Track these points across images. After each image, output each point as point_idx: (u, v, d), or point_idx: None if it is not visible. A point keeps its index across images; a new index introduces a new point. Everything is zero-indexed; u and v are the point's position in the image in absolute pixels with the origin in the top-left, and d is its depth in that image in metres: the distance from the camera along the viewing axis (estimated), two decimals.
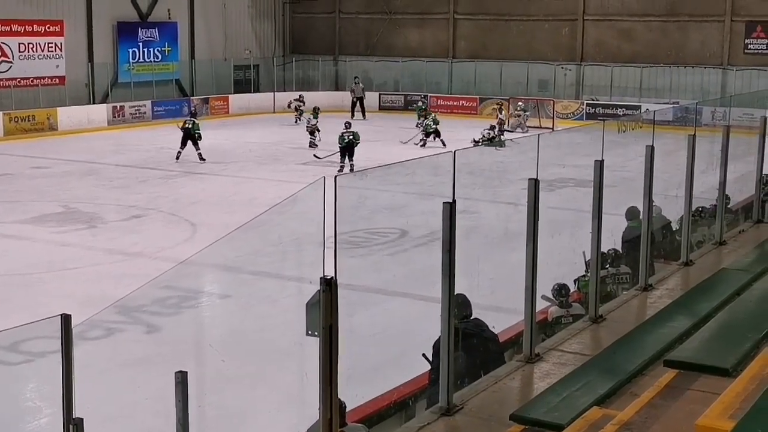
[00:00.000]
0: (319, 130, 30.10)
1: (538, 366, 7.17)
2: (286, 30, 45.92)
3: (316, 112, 31.23)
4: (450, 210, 6.17)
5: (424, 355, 7.24)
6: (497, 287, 9.82)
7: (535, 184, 7.17)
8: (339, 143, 25.66)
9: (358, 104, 39.70)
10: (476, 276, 8.39)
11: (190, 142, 27.03)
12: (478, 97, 40.25)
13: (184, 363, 5.48)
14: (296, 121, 35.77)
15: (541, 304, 8.60)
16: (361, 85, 40.80)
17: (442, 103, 40.77)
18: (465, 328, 7.26)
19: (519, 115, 35.31)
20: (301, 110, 36.19)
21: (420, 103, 37.05)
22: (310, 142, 29.80)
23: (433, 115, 32.12)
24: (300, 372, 8.00)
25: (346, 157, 25.29)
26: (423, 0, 42.68)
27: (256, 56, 43.51)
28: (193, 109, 33.49)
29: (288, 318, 8.36)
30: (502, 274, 10.08)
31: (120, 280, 14.18)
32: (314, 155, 26.78)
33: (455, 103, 40.43)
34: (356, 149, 25.47)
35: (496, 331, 7.89)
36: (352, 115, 37.07)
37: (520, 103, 36.33)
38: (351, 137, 25.49)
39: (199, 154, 26.89)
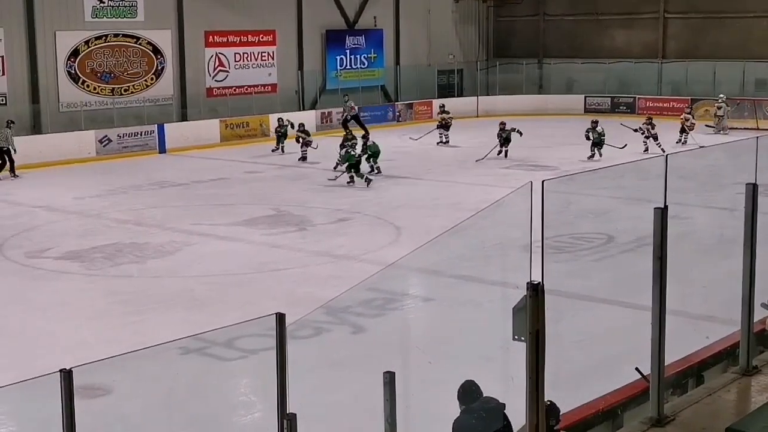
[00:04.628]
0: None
1: (756, 379, 6.85)
2: (489, 34, 45.91)
3: (296, 126, 29.96)
4: (662, 215, 6.00)
5: (637, 369, 7.01)
6: (710, 296, 9.42)
7: (753, 189, 6.86)
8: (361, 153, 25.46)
9: (353, 122, 33.74)
10: (688, 284, 8.09)
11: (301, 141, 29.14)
12: (689, 98, 38.75)
13: (389, 364, 5.55)
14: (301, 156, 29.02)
15: (758, 315, 8.19)
16: (350, 102, 34.88)
17: (651, 104, 39.60)
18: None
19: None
20: (307, 140, 29.23)
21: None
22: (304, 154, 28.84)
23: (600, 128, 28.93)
24: (504, 376, 7.94)
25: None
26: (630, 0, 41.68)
27: (459, 61, 43.75)
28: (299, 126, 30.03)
29: (491, 322, 8.33)
30: (716, 283, 9.66)
31: (326, 281, 14.58)
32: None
33: (665, 105, 39.18)
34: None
35: (709, 342, 7.57)
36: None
37: (723, 94, 34.61)
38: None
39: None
